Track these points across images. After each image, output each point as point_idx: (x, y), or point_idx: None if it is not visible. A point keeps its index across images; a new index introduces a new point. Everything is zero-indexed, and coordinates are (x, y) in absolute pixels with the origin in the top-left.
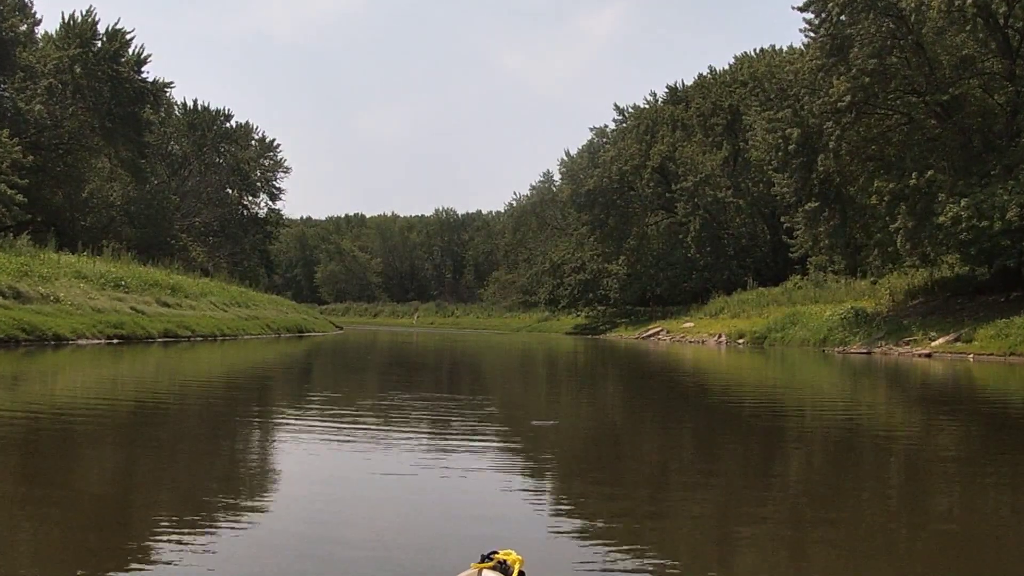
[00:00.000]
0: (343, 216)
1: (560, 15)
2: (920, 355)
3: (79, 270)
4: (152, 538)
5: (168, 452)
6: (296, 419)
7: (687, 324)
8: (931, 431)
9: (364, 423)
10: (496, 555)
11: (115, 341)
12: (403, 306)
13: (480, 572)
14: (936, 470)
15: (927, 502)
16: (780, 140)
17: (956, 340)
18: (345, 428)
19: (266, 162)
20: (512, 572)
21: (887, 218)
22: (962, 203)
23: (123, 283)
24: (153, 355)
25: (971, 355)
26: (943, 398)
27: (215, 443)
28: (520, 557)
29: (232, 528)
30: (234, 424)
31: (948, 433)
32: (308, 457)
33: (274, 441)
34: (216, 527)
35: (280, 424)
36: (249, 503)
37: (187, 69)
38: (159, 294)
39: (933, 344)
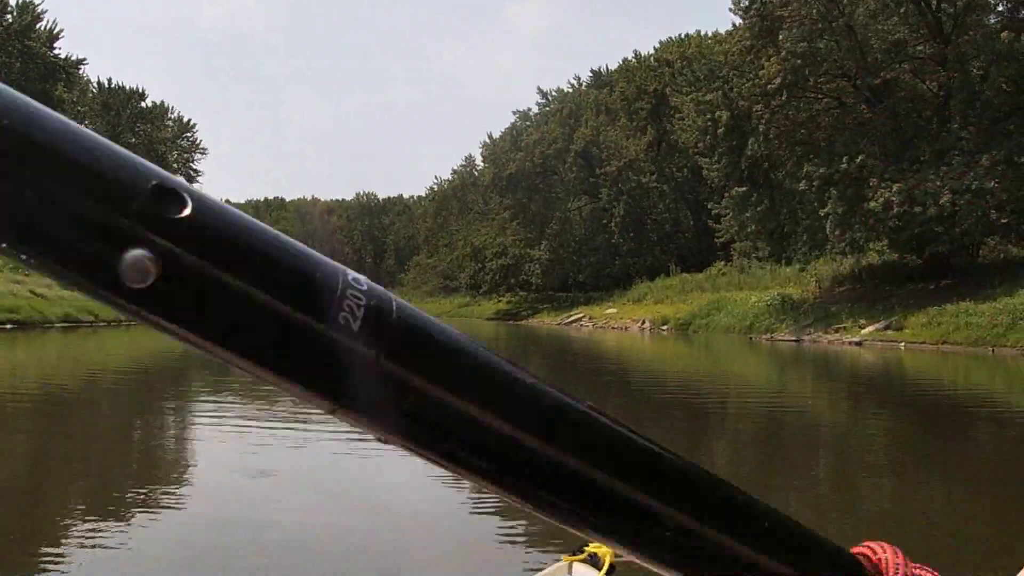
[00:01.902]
0: (262, 199)
1: (488, 2)
2: (850, 343)
3: None
4: (65, 529)
5: (80, 444)
6: (205, 409)
7: (610, 310)
8: (861, 421)
9: (275, 414)
10: (586, 548)
11: (8, 327)
12: None
13: (571, 565)
14: (866, 460)
15: (855, 492)
16: (709, 123)
17: (886, 328)
18: (255, 420)
19: (183, 143)
20: (603, 565)
21: (816, 203)
22: (894, 188)
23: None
24: (53, 342)
25: (902, 343)
26: (874, 387)
27: (125, 434)
28: (611, 550)
29: (149, 514)
30: (141, 415)
31: (879, 423)
32: (220, 446)
33: (185, 431)
34: (132, 514)
35: (189, 414)
36: (165, 490)
37: (102, 49)
38: None
39: (863, 332)
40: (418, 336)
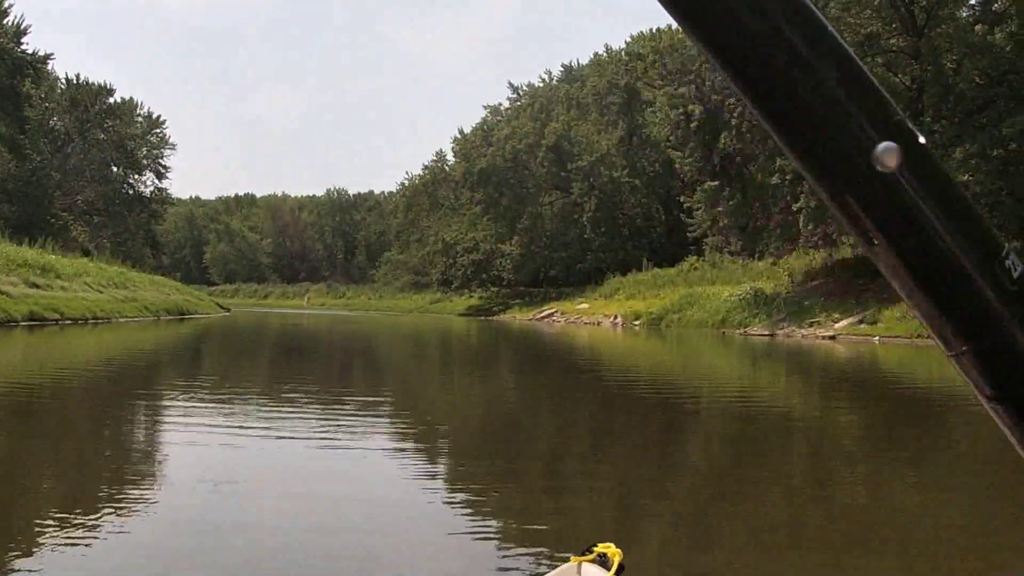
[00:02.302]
0: (233, 196)
1: None
2: (824, 337)
3: None
4: (32, 533)
5: (48, 444)
6: (175, 408)
7: (582, 305)
8: (835, 416)
9: (244, 414)
10: (596, 548)
11: None
12: (294, 287)
13: (580, 565)
14: (841, 454)
15: (831, 488)
16: (681, 117)
17: (860, 322)
18: (224, 419)
19: (152, 139)
20: (612, 565)
21: (789, 198)
22: None
23: None
24: (17, 340)
25: (876, 337)
26: (848, 382)
27: (94, 434)
28: (619, 551)
29: (119, 516)
30: (110, 415)
31: (853, 417)
32: (189, 448)
33: (155, 431)
34: (102, 516)
35: (158, 413)
36: (135, 492)
37: (69, 44)
38: (27, 275)
39: (837, 326)
40: None
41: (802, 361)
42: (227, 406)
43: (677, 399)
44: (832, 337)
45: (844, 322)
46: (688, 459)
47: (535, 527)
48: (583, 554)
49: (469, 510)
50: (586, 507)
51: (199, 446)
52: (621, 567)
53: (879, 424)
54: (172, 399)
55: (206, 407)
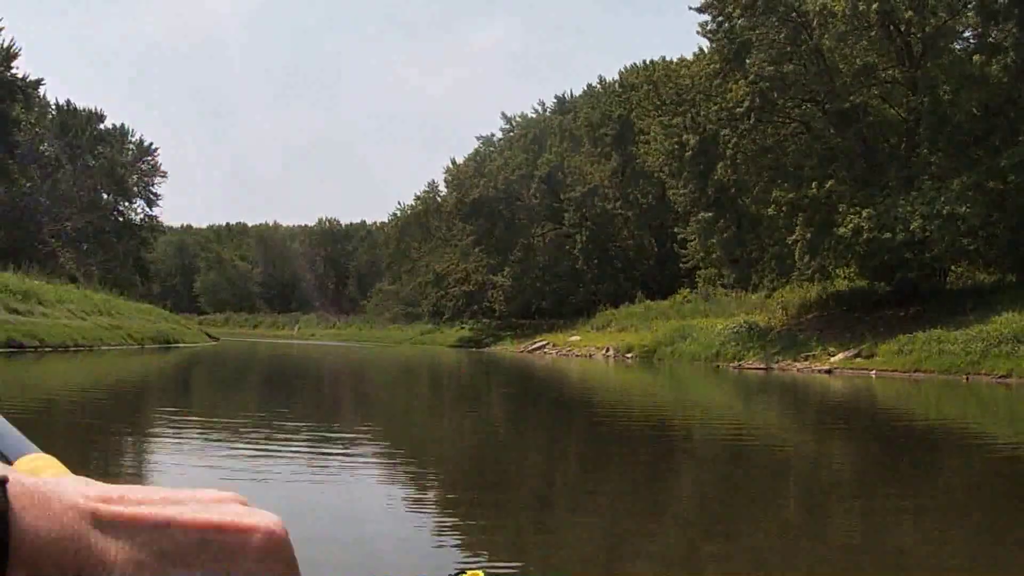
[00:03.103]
0: (224, 225)
1: (449, 28)
2: (820, 371)
3: None
4: None
5: None
6: (165, 431)
7: (574, 337)
8: (832, 452)
9: (236, 435)
10: (464, 574)
11: None
12: (284, 317)
13: None
14: (836, 491)
15: (825, 525)
16: (676, 146)
17: (856, 356)
18: (217, 441)
19: (143, 166)
20: None
21: (784, 229)
22: (863, 214)
23: None
24: None
25: (873, 371)
26: (845, 417)
27: (83, 459)
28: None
29: None
30: (99, 439)
31: (849, 453)
32: (181, 468)
33: (145, 454)
34: None
35: (148, 437)
36: None
37: (60, 70)
38: (7, 300)
39: (832, 360)
40: None
41: (798, 395)
42: (205, 441)
43: (670, 434)
44: (828, 371)
45: (840, 355)
46: (679, 494)
47: (520, 561)
48: None
49: (456, 543)
50: (572, 541)
51: (194, 465)
52: None
53: (876, 459)
54: (164, 420)
55: (180, 442)
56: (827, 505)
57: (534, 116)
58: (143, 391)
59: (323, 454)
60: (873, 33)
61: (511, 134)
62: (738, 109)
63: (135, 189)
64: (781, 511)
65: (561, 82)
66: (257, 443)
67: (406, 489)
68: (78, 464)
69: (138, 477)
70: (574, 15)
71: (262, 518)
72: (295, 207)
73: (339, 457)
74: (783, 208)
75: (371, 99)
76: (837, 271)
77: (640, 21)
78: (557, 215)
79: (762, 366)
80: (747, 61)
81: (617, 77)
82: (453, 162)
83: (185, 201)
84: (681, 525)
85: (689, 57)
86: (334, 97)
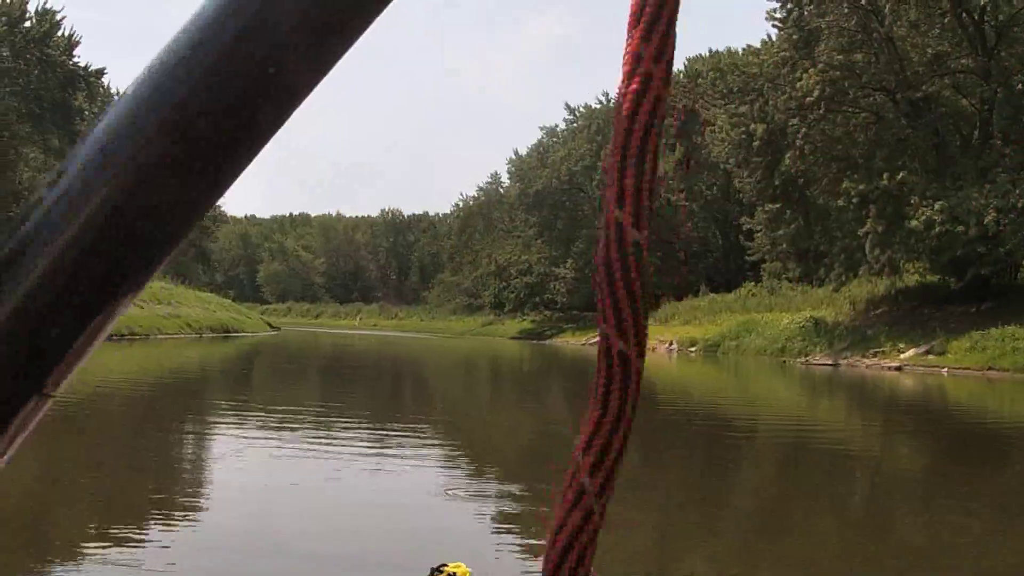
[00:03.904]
0: (287, 215)
1: (510, 16)
2: (890, 368)
3: None
4: (77, 546)
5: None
6: (217, 424)
7: None
8: (901, 452)
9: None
10: (446, 567)
11: None
12: (346, 307)
13: None
14: (901, 493)
15: (886, 522)
16: (743, 136)
17: (927, 353)
18: (267, 435)
19: None
20: None
21: (853, 222)
22: (936, 207)
23: None
24: None
25: (944, 369)
26: (916, 416)
27: (136, 449)
28: (468, 569)
29: (165, 530)
30: (150, 430)
31: (918, 454)
32: (231, 460)
33: (198, 446)
34: (146, 529)
35: (200, 429)
36: (181, 504)
37: (122, 63)
38: None
39: (902, 356)
40: None
41: (867, 393)
42: (265, 431)
43: (734, 430)
44: (898, 368)
45: (910, 352)
46: (738, 492)
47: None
48: (432, 574)
49: (512, 538)
50: (626, 534)
51: (246, 458)
52: None
53: (943, 461)
54: (220, 413)
55: (250, 421)
56: (891, 507)
57: (598, 106)
58: (198, 381)
59: (380, 446)
60: (946, 21)
61: (574, 125)
62: (807, 99)
63: None
64: (842, 511)
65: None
66: (313, 436)
67: (461, 481)
68: (132, 454)
69: (194, 464)
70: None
71: None
72: (358, 198)
73: (396, 449)
74: (853, 200)
75: (434, 91)
76: (906, 265)
77: (706, 8)
78: None
79: (830, 362)
80: (816, 50)
81: (682, 67)
82: (516, 153)
83: (249, 191)
84: (737, 522)
85: (756, 45)
86: (396, 88)
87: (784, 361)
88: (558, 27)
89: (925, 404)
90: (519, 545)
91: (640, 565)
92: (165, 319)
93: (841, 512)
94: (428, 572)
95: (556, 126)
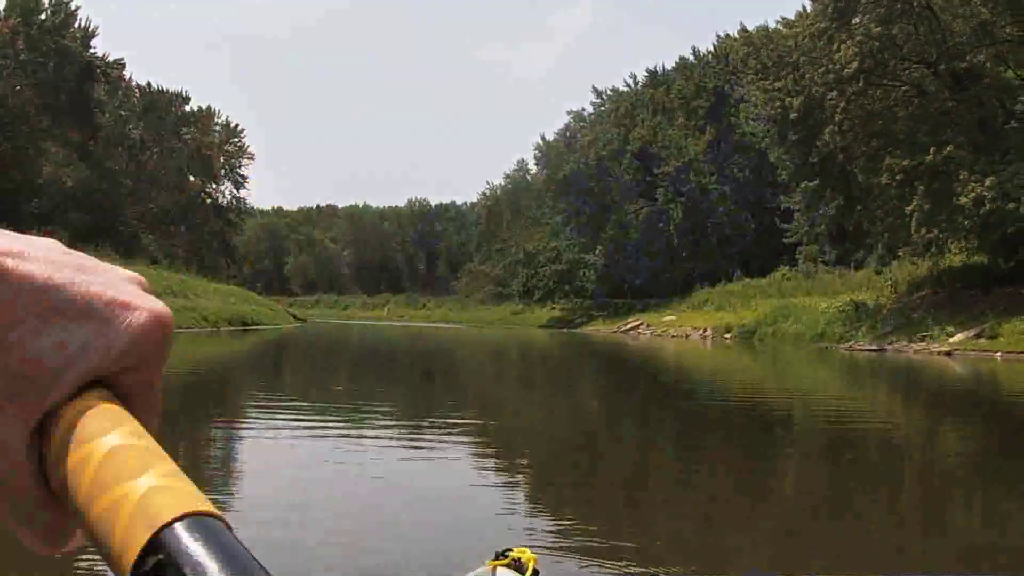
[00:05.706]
0: (314, 206)
1: (536, 5)
2: (939, 353)
3: None
4: None
5: None
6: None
7: (669, 317)
8: (954, 444)
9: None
10: (511, 552)
11: None
12: (374, 298)
13: (495, 569)
14: (957, 487)
15: (938, 511)
16: (779, 111)
17: (978, 337)
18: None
19: (230, 148)
20: (526, 570)
21: (896, 200)
22: (987, 183)
23: None
24: None
25: (998, 353)
26: (968, 404)
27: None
28: (534, 555)
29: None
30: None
31: (974, 445)
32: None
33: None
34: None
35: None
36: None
37: (146, 56)
38: None
39: (952, 340)
40: None
41: (917, 379)
42: (304, 414)
43: (775, 421)
44: (948, 353)
45: (959, 336)
46: (779, 483)
47: (614, 543)
48: (497, 558)
49: (547, 529)
50: (667, 524)
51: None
52: (536, 572)
53: (996, 451)
54: (249, 406)
55: (278, 414)
56: (946, 501)
57: (626, 90)
58: (222, 373)
59: (412, 436)
60: None
61: (602, 108)
62: (845, 71)
63: (223, 171)
64: (890, 504)
65: (653, 55)
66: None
67: (495, 473)
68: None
69: (219, 461)
70: None
71: (153, 303)
72: (385, 188)
73: (428, 440)
74: (897, 176)
75: (459, 79)
76: (951, 245)
77: None
78: (650, 191)
79: (874, 347)
80: (853, 21)
81: (711, 48)
82: (543, 138)
83: (276, 183)
84: (778, 515)
85: (791, 17)
86: (422, 78)
87: (825, 347)
88: (588, 10)
89: (976, 389)
90: (580, 530)
91: (677, 554)
92: (178, 312)
93: (890, 504)
94: (492, 556)
95: (583, 110)
